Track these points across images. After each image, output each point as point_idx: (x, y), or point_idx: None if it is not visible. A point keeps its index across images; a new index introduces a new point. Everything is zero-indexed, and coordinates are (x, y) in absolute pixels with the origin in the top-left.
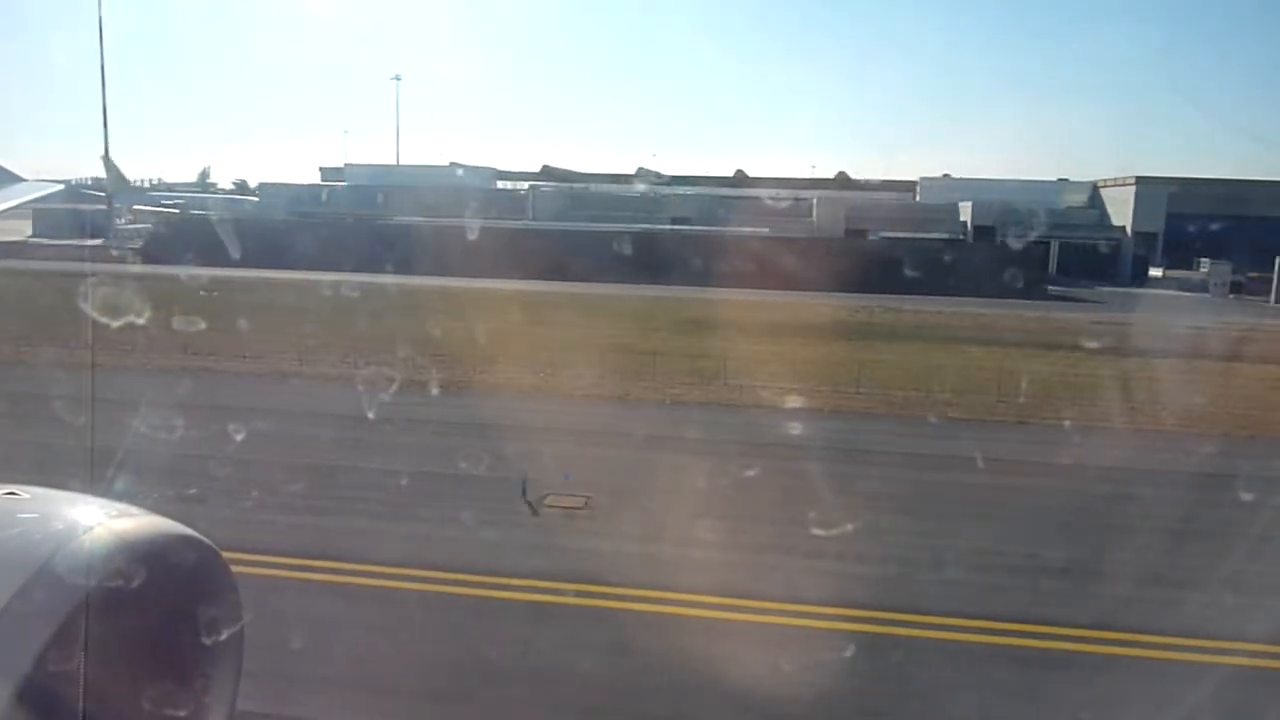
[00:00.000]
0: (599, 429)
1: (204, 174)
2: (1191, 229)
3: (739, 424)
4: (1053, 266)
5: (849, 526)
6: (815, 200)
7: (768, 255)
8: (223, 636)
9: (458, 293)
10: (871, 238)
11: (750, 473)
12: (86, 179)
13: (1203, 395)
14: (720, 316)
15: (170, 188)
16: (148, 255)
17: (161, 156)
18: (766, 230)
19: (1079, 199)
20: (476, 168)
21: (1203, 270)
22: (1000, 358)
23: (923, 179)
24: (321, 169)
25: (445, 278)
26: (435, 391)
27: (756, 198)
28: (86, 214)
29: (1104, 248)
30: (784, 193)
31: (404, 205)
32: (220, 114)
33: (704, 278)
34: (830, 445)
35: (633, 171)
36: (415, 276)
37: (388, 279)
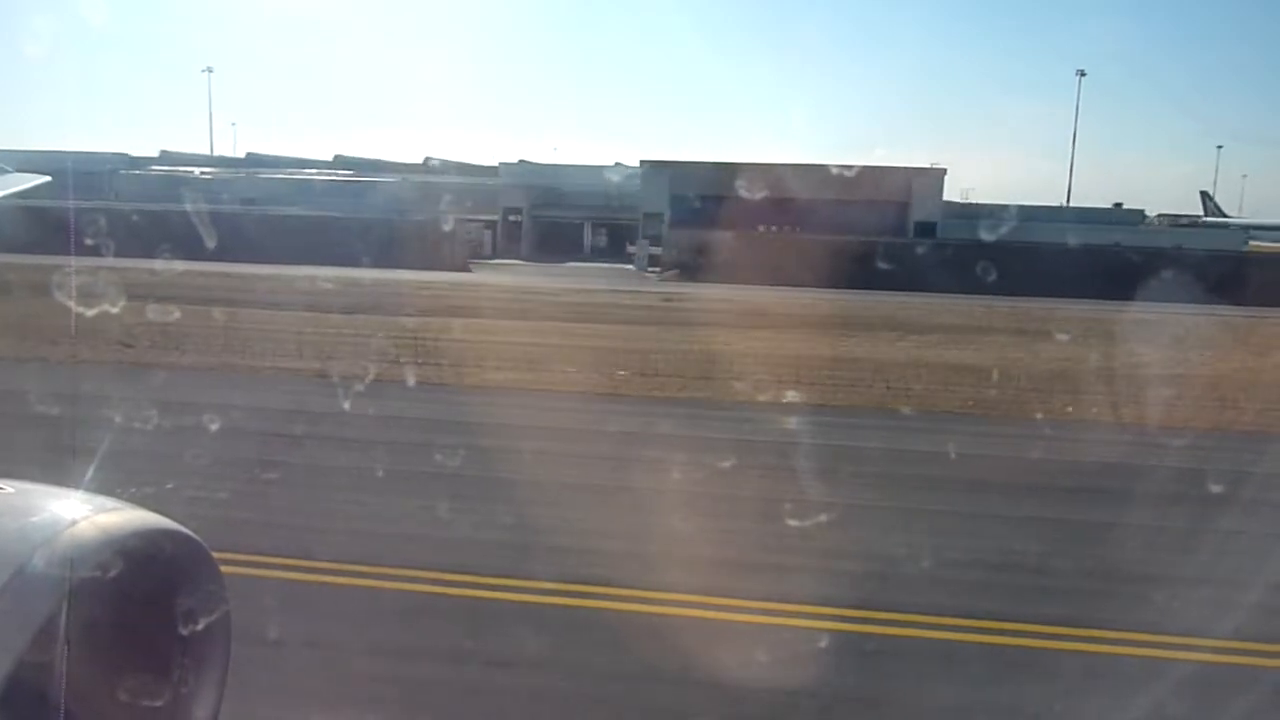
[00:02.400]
0: None
1: None
2: (697, 208)
3: None
4: (588, 244)
5: None
6: (377, 184)
7: (285, 232)
8: (209, 630)
9: None
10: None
11: None
12: None
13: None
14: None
15: None
16: None
17: None
18: (314, 211)
19: (620, 180)
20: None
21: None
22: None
23: (501, 164)
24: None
25: None
26: None
27: (351, 181)
28: None
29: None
30: (386, 177)
31: None
32: None
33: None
34: None
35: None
36: None
37: None
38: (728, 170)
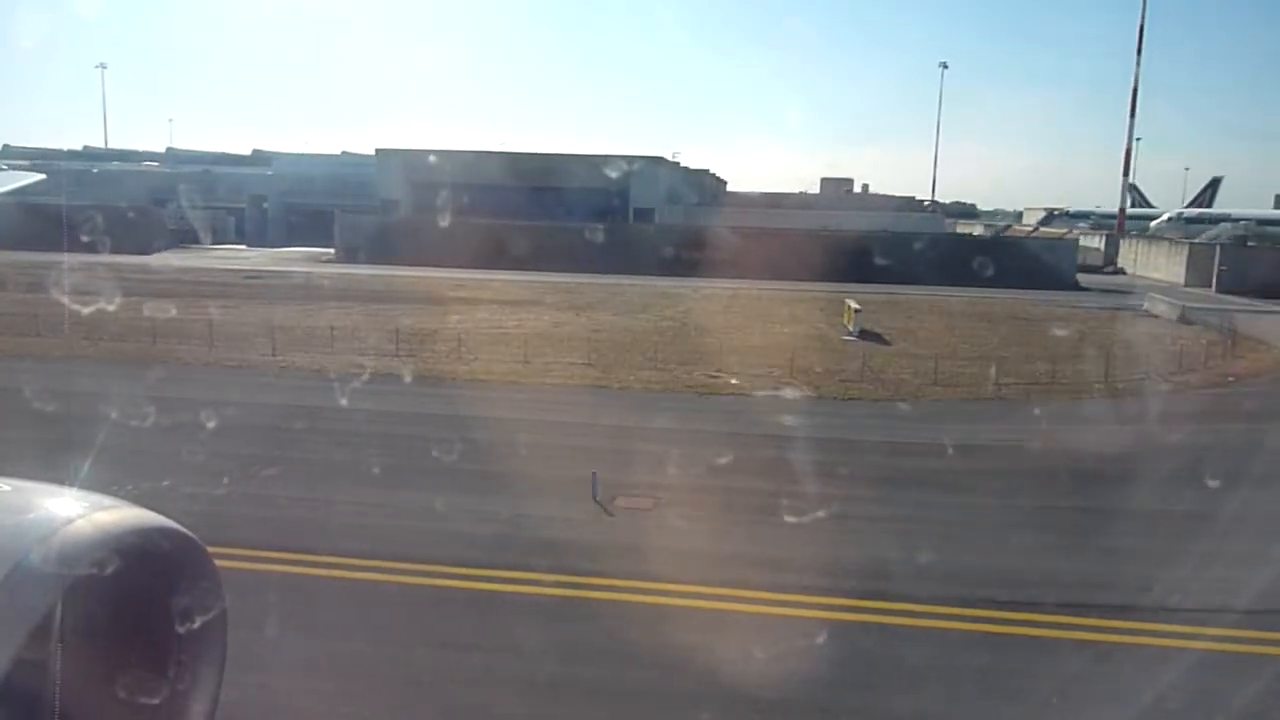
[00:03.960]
0: None
1: None
2: (431, 194)
3: None
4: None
5: None
6: (125, 173)
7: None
8: (205, 627)
9: None
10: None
11: None
12: None
13: None
14: None
15: None
16: None
17: None
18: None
19: (352, 169)
20: None
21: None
22: None
23: (254, 151)
24: None
25: None
26: None
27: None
28: None
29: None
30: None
31: None
32: None
33: None
34: None
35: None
36: None
37: None
38: (459, 158)
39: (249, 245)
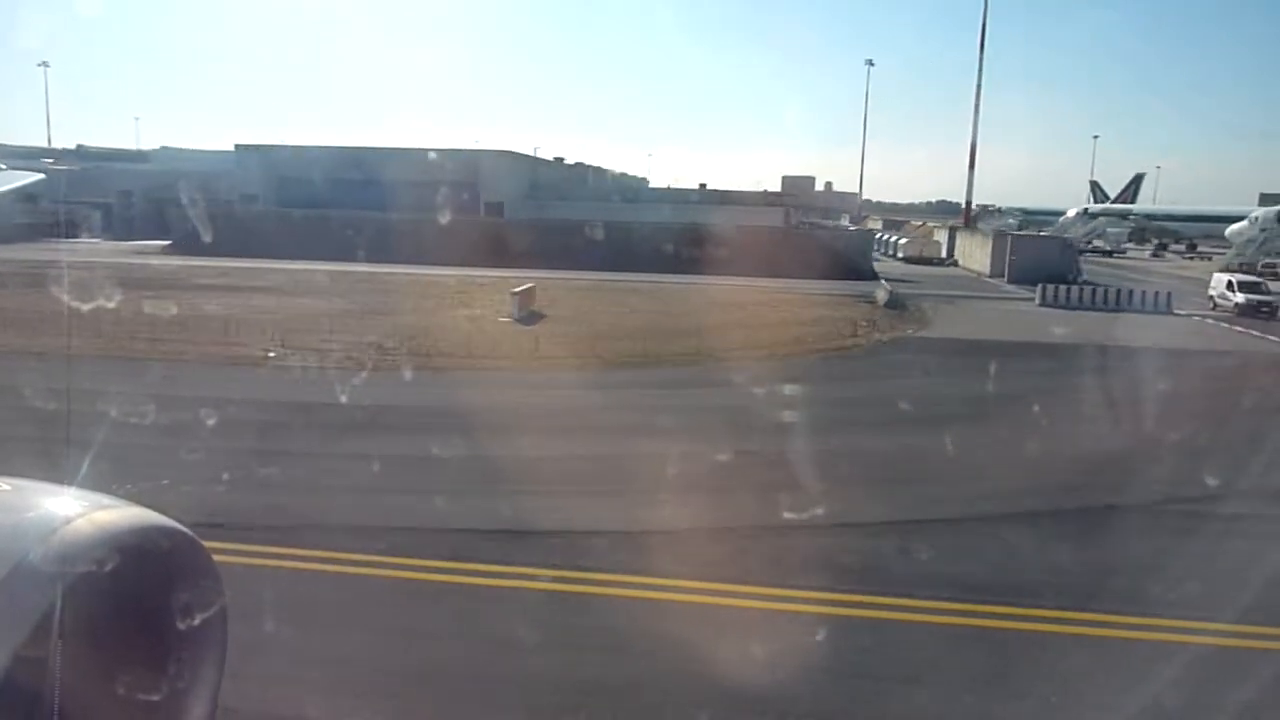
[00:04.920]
0: None
1: None
2: (291, 189)
3: None
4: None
5: None
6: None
7: None
8: (206, 627)
9: None
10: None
11: None
12: None
13: None
14: None
15: None
16: None
17: None
18: None
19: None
20: None
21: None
22: None
23: (162, 147)
24: None
25: None
26: None
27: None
28: None
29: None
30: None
31: None
32: None
33: None
34: None
35: None
36: None
37: None
38: (313, 154)
39: (109, 239)
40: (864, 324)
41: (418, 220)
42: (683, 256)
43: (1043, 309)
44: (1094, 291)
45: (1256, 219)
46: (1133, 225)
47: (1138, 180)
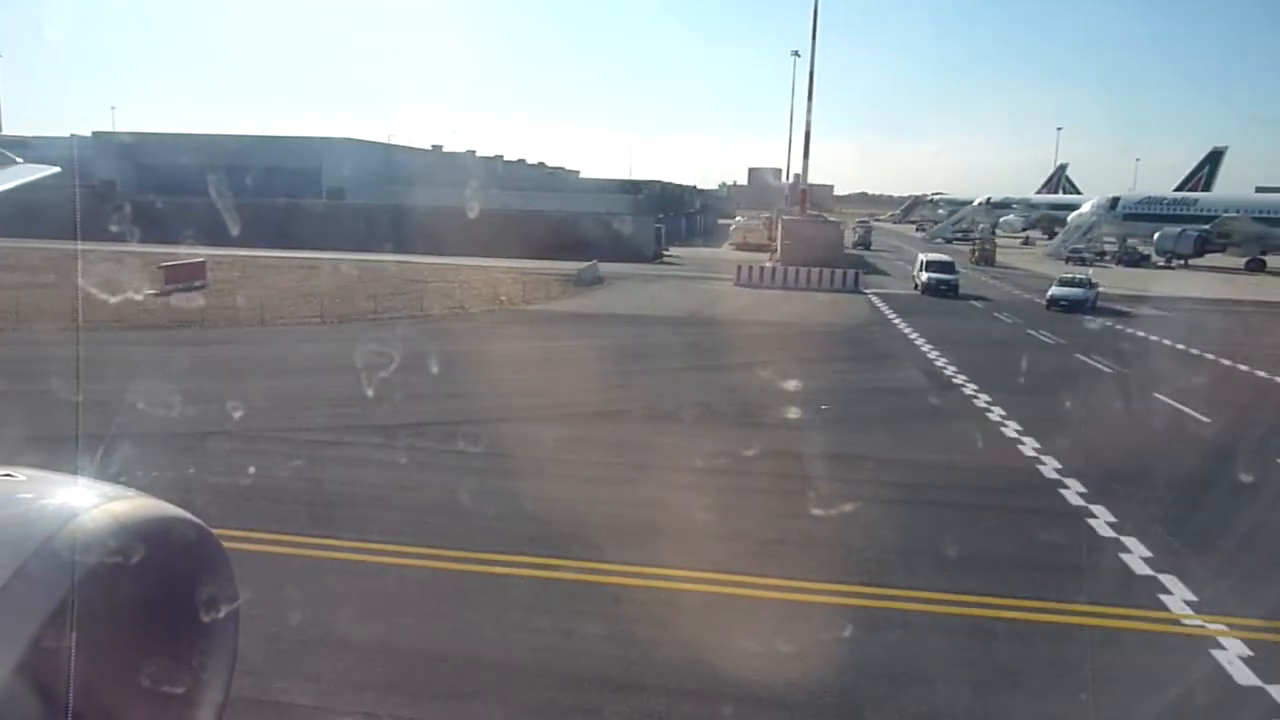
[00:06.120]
0: None
1: None
2: (157, 178)
3: None
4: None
5: None
6: None
7: None
8: (218, 617)
9: None
10: None
11: None
12: None
13: None
14: None
15: None
16: None
17: None
18: None
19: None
20: None
21: None
22: None
23: (95, 133)
24: None
25: None
26: None
27: None
28: None
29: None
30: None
31: None
32: None
33: None
34: None
35: None
36: None
37: None
38: (168, 140)
39: None
40: (520, 299)
41: (252, 205)
42: (441, 236)
43: (736, 288)
44: (788, 272)
45: (1095, 206)
46: (1035, 216)
47: (1061, 170)
